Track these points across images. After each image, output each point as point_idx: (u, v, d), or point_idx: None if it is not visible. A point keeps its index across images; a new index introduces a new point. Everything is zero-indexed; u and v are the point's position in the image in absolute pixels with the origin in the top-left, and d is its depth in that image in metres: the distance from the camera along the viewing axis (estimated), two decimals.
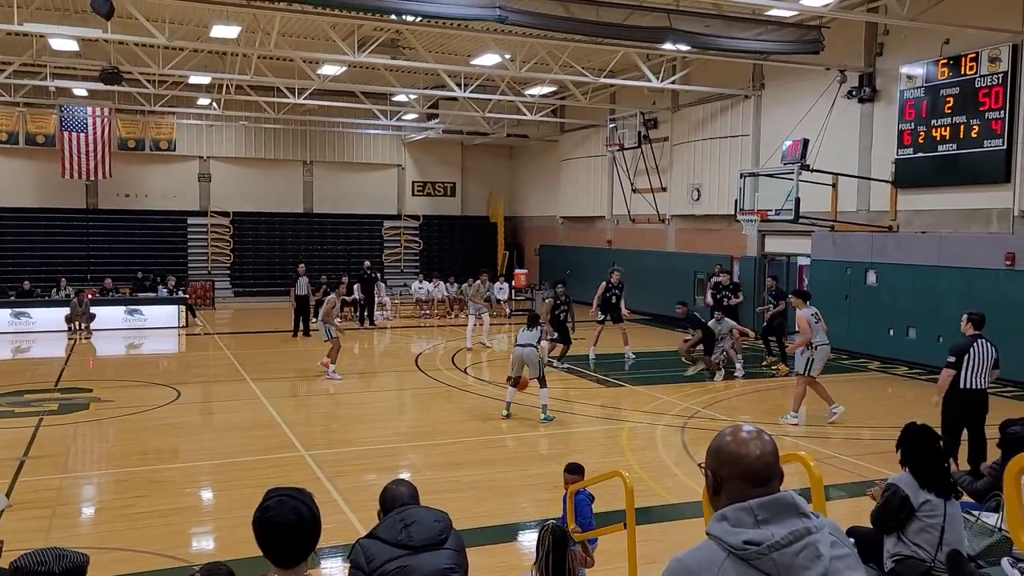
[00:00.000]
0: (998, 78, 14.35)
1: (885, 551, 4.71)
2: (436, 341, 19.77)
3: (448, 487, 8.50)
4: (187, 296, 23.98)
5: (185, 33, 18.19)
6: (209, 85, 23.67)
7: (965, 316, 9.12)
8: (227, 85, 22.94)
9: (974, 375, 8.70)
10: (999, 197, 14.56)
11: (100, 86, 19.65)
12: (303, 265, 22.03)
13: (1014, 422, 5.75)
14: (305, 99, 22.77)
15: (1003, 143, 14.28)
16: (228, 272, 29.27)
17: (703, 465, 2.34)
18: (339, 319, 15.84)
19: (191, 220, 28.99)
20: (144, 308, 21.94)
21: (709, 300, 16.50)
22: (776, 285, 16.72)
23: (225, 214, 29.18)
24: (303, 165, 30.54)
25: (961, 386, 8.70)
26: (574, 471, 6.01)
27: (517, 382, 11.53)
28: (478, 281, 19.87)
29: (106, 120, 26.20)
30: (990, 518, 5.26)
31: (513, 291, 25.59)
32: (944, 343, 14.94)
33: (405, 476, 9.12)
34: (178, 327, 21.73)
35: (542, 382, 11.50)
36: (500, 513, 7.82)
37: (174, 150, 28.00)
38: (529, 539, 7.30)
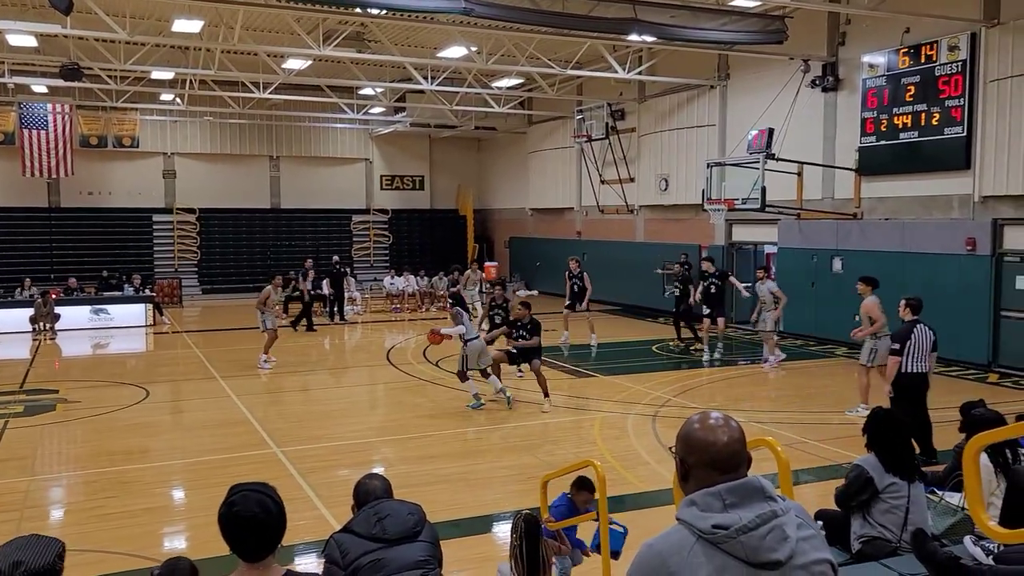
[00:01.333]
0: (957, 66, 14.61)
1: (852, 532, 4.82)
2: (407, 335, 19.73)
3: (422, 480, 8.52)
4: (154, 294, 23.66)
5: (147, 28, 17.91)
6: (172, 80, 23.35)
7: (903, 301, 9.31)
8: (190, 80, 22.65)
9: (914, 360, 8.90)
10: (960, 183, 14.84)
11: (60, 82, 19.26)
12: (310, 260, 22.19)
13: (975, 404, 5.89)
14: (270, 94, 22.53)
15: (963, 130, 14.55)
16: (195, 269, 28.93)
17: (673, 450, 2.39)
18: (276, 311, 16.25)
19: (156, 217, 28.58)
20: (110, 307, 21.62)
21: (698, 297, 16.17)
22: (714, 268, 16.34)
23: (191, 211, 28.81)
24: (270, 160, 30.24)
25: (902, 370, 8.90)
26: (584, 487, 5.60)
27: (484, 373, 11.83)
28: (468, 271, 21.51)
29: (67, 117, 25.72)
30: (953, 498, 5.39)
31: (484, 284, 25.53)
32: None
33: (379, 470, 9.09)
34: (145, 326, 21.45)
35: (461, 376, 11.71)
36: (475, 505, 7.85)
37: (137, 147, 27.57)
38: (504, 530, 7.35)
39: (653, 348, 17.37)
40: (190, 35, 16.77)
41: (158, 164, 28.74)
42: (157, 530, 7.38)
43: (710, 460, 2.23)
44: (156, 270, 27.87)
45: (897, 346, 8.96)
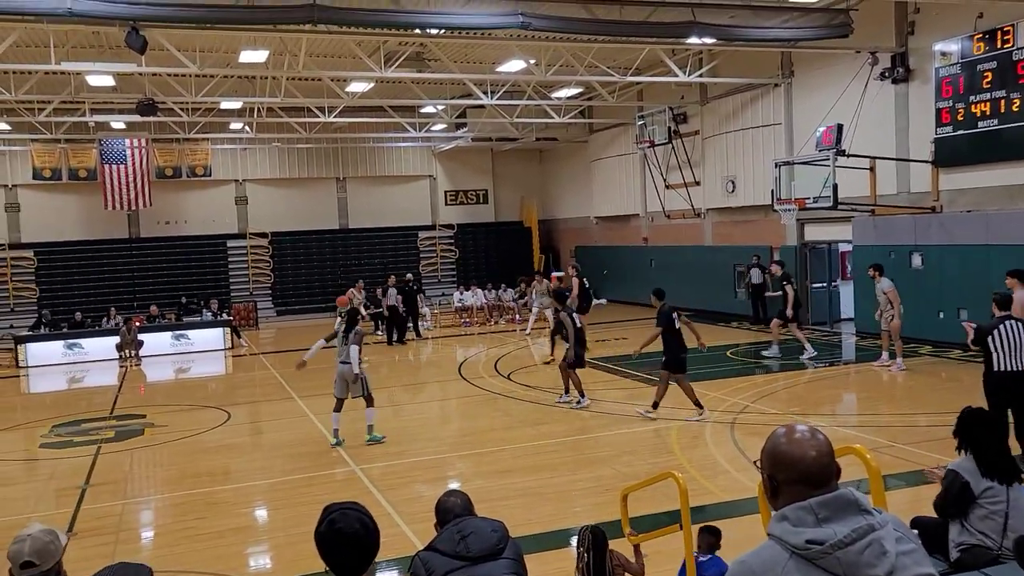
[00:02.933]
0: None
1: (950, 540, 4.61)
2: (478, 349, 19.82)
3: (499, 495, 8.52)
4: (231, 318, 24.38)
5: (215, 60, 18.53)
6: (241, 109, 24.07)
7: (993, 298, 8.92)
8: (258, 108, 23.32)
9: (1009, 357, 8.49)
10: None
11: (137, 118, 20.08)
12: (393, 277, 22.81)
13: None
14: (335, 117, 23.03)
15: None
16: (269, 292, 29.69)
17: (759, 464, 2.33)
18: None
19: (230, 243, 29.47)
20: (190, 332, 22.35)
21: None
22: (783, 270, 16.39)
23: (263, 235, 29.62)
24: (336, 182, 30.87)
25: (995, 369, 8.51)
26: (713, 533, 5.29)
27: (340, 405, 10.83)
28: (535, 282, 21.97)
29: (144, 150, 26.78)
30: None
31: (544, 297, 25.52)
32: None
33: (455, 485, 9.15)
34: (224, 349, 22.09)
35: (368, 401, 10.86)
36: (552, 519, 7.81)
37: (210, 175, 28.49)
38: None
39: (728, 353, 17.05)
40: (256, 65, 17.28)
41: (230, 191, 29.65)
42: (244, 550, 7.56)
43: (800, 476, 2.16)
44: (232, 294, 28.71)
45: (971, 341, 8.62)
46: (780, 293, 15.82)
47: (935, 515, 4.82)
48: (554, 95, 23.57)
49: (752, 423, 10.89)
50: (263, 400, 15.26)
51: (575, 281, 18.08)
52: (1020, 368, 8.52)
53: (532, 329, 21.59)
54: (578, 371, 12.63)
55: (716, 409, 11.99)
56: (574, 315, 12.85)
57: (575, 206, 31.24)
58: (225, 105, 22.36)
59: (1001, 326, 8.56)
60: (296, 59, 16.59)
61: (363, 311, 21.74)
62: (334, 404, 11.02)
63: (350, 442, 11.14)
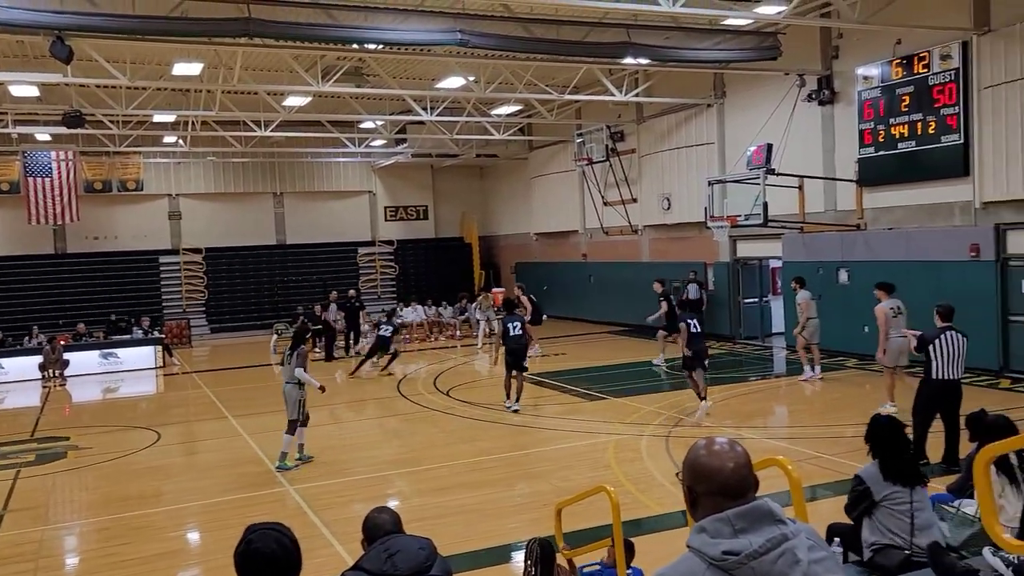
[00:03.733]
0: (951, 75, 14.68)
1: (863, 541, 4.83)
2: (417, 365, 19.71)
3: (437, 512, 8.49)
4: (163, 336, 23.75)
5: (147, 72, 18.14)
6: (174, 123, 23.59)
7: (935, 309, 9.33)
8: (192, 122, 22.88)
9: (946, 366, 8.88)
10: (960, 190, 14.85)
11: (63, 130, 19.52)
12: (335, 293, 22.71)
13: (984, 413, 5.87)
14: (272, 131, 22.75)
15: (960, 138, 14.58)
16: (203, 309, 29.05)
17: (680, 477, 2.38)
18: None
19: (163, 259, 28.77)
20: (119, 351, 21.68)
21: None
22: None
23: (197, 251, 29.00)
24: (273, 197, 30.44)
25: (934, 377, 8.88)
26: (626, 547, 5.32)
27: (294, 427, 10.51)
28: (480, 298, 23.07)
29: (71, 163, 26.00)
30: (969, 507, 5.35)
31: (494, 308, 25.54)
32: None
33: (393, 504, 9.08)
34: (155, 368, 21.51)
35: (291, 427, 10.47)
36: (491, 535, 7.81)
37: (142, 190, 27.81)
38: (521, 559, 7.30)
39: (665, 368, 17.30)
40: (190, 77, 16.98)
41: (163, 206, 28.97)
42: (173, 575, 7.35)
43: (718, 488, 2.22)
44: (165, 311, 28.00)
45: (915, 348, 9.01)
46: (663, 310, 17.46)
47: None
48: (494, 112, 23.72)
49: (687, 436, 11.07)
50: (195, 420, 14.90)
51: (525, 299, 18.35)
52: (956, 377, 8.92)
53: (484, 343, 21.74)
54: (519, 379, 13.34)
55: (651, 423, 12.16)
56: (509, 324, 13.38)
57: (515, 222, 31.41)
58: (158, 118, 21.90)
59: (943, 335, 8.94)
60: (231, 72, 16.36)
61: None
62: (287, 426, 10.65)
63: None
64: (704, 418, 11.77)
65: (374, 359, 18.93)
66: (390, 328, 18.91)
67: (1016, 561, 4.05)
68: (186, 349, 25.60)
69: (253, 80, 18.39)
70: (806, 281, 15.34)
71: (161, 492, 10.07)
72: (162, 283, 28.72)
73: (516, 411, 13.22)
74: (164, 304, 28.45)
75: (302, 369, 10.44)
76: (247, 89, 18.15)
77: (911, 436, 9.01)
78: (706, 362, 12.47)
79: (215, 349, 25.74)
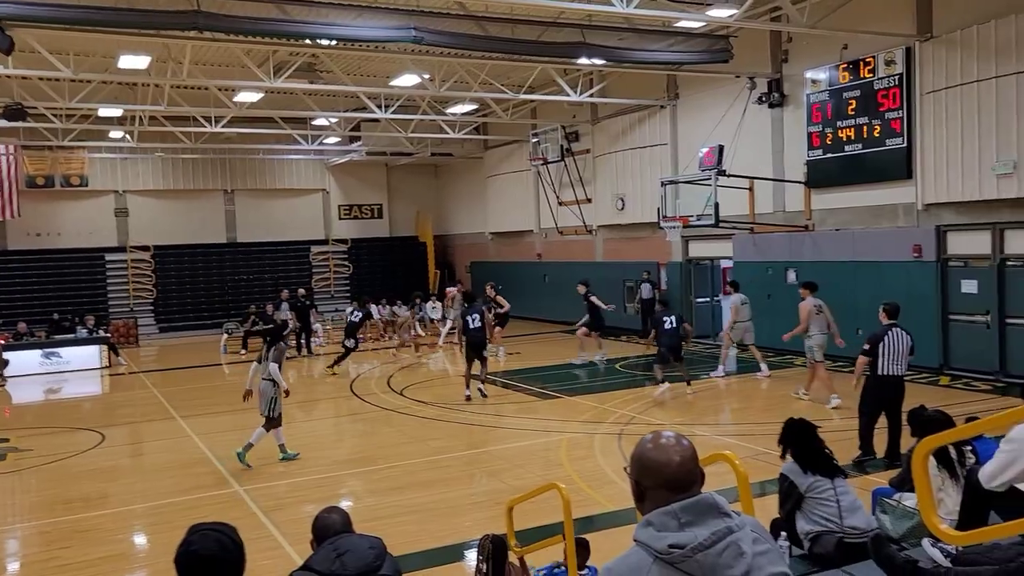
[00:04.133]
0: (895, 80, 15.06)
1: (800, 533, 4.99)
2: (371, 365, 19.57)
3: (390, 512, 8.45)
4: (108, 335, 23.20)
5: (92, 65, 17.72)
6: (121, 117, 23.05)
7: (881, 306, 9.58)
8: (140, 116, 22.40)
9: (890, 363, 9.12)
10: (903, 192, 15.25)
11: (3, 123, 18.93)
12: (286, 291, 22.14)
13: (923, 408, 6.04)
14: (223, 127, 22.38)
15: (903, 141, 14.98)
16: (152, 308, 28.44)
17: (627, 470, 2.41)
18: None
19: (109, 256, 28.07)
20: (62, 350, 21.10)
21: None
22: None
23: (145, 248, 28.38)
24: (224, 194, 29.94)
25: (879, 373, 9.11)
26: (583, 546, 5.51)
27: (270, 423, 10.53)
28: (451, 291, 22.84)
29: (12, 158, 25.21)
30: (910, 501, 5.50)
31: (445, 309, 25.49)
32: (862, 335, 15.56)
33: (346, 504, 9.01)
34: (100, 368, 21.00)
35: (268, 423, 10.49)
36: (444, 534, 7.79)
37: (87, 185, 27.09)
38: (475, 557, 7.30)
39: (617, 366, 17.47)
40: (138, 71, 16.61)
41: (109, 202, 28.29)
42: None
43: (664, 481, 2.25)
44: (111, 310, 27.34)
45: (867, 347, 9.20)
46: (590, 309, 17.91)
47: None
48: (449, 111, 23.66)
49: (640, 433, 11.15)
50: (142, 421, 14.58)
51: (501, 299, 18.94)
52: (900, 373, 9.17)
53: (446, 341, 21.68)
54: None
55: (604, 420, 12.26)
56: (468, 317, 14.17)
57: (470, 222, 31.38)
58: (103, 112, 21.36)
59: (889, 332, 9.17)
60: (180, 66, 16.04)
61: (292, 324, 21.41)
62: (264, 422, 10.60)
63: (234, 462, 10.78)
64: (691, 396, 13.61)
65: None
66: (359, 314, 18.74)
67: (955, 551, 4.17)
68: (133, 349, 25.03)
69: (203, 75, 18.05)
70: (740, 285, 15.97)
71: (106, 494, 9.84)
72: (108, 281, 28.02)
73: (485, 395, 14.18)
74: (110, 303, 27.78)
75: (277, 366, 10.40)
76: (197, 84, 17.82)
77: (859, 433, 9.29)
78: (681, 353, 14.18)
79: (163, 349, 25.23)
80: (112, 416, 15.14)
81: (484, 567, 4.81)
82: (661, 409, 13.05)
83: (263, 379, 10.51)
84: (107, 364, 21.16)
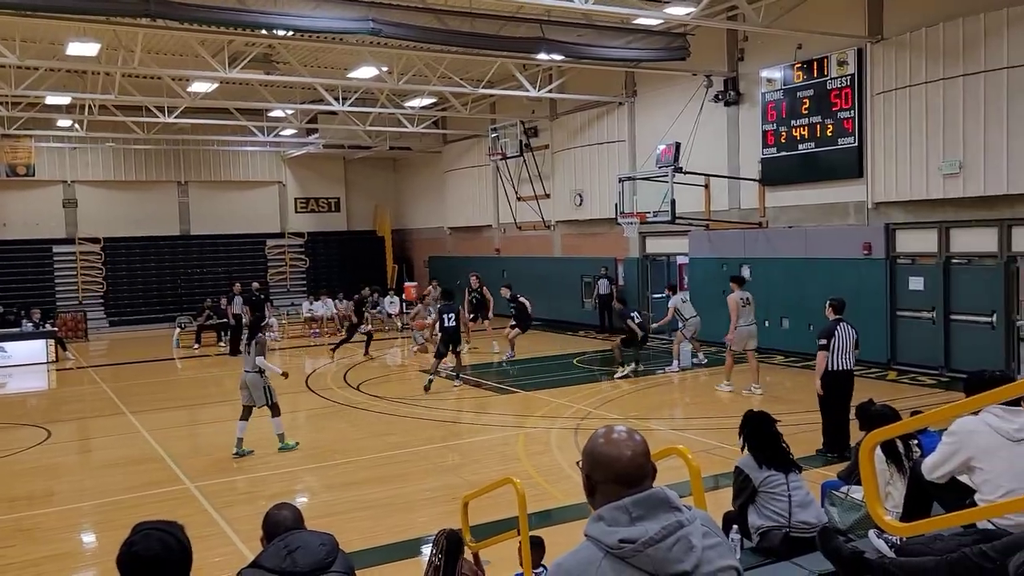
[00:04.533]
0: (847, 80, 15.35)
1: (750, 526, 5.06)
2: (327, 360, 19.38)
3: (345, 507, 8.39)
4: (56, 329, 22.61)
5: (39, 51, 17.23)
6: (69, 105, 22.48)
7: (827, 302, 9.77)
8: (89, 105, 21.85)
9: (840, 357, 9.34)
10: (854, 191, 15.56)
11: None
12: (238, 285, 21.65)
13: (871, 403, 6.18)
14: (176, 118, 21.92)
15: (855, 140, 15.28)
16: (102, 301, 27.80)
17: (580, 465, 2.41)
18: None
19: (57, 248, 27.39)
20: (6, 344, 20.51)
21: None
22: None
23: (95, 240, 27.72)
24: (178, 186, 29.39)
25: (830, 368, 9.31)
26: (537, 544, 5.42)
27: (248, 413, 10.67)
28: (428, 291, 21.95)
29: None
30: (858, 493, 5.62)
31: (404, 304, 25.38)
32: (814, 330, 15.88)
33: (300, 500, 8.93)
34: (47, 362, 20.46)
35: (274, 410, 10.68)
36: (400, 530, 7.75)
37: (33, 175, 26.41)
38: (430, 552, 7.28)
39: (575, 361, 17.55)
40: (87, 58, 16.20)
41: (57, 193, 27.58)
42: None
43: (614, 476, 2.25)
44: (58, 303, 26.66)
45: (823, 341, 9.38)
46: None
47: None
48: (407, 104, 23.51)
49: (595, 428, 11.24)
50: (90, 416, 14.25)
51: (486, 291, 18.89)
52: (849, 367, 9.38)
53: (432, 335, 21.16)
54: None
55: (561, 415, 12.32)
56: (444, 315, 14.81)
57: (429, 216, 31.25)
58: (51, 100, 20.81)
59: (838, 327, 9.38)
60: (132, 55, 15.68)
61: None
62: (241, 412, 10.72)
63: (186, 458, 10.61)
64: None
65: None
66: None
67: (899, 542, 4.28)
68: (82, 343, 24.45)
69: (156, 64, 17.67)
70: (676, 287, 16.71)
71: (51, 492, 9.60)
72: (56, 274, 27.33)
73: (457, 385, 14.80)
74: (58, 296, 27.09)
75: (262, 357, 10.57)
76: (149, 73, 17.44)
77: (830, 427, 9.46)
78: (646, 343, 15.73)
79: (114, 343, 24.68)
80: (58, 412, 14.78)
81: (438, 561, 4.80)
82: (617, 404, 13.16)
83: (249, 372, 10.58)
84: (54, 359, 20.63)
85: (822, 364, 9.39)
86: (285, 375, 10.98)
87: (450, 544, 4.81)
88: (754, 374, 13.38)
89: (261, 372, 10.58)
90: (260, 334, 10.88)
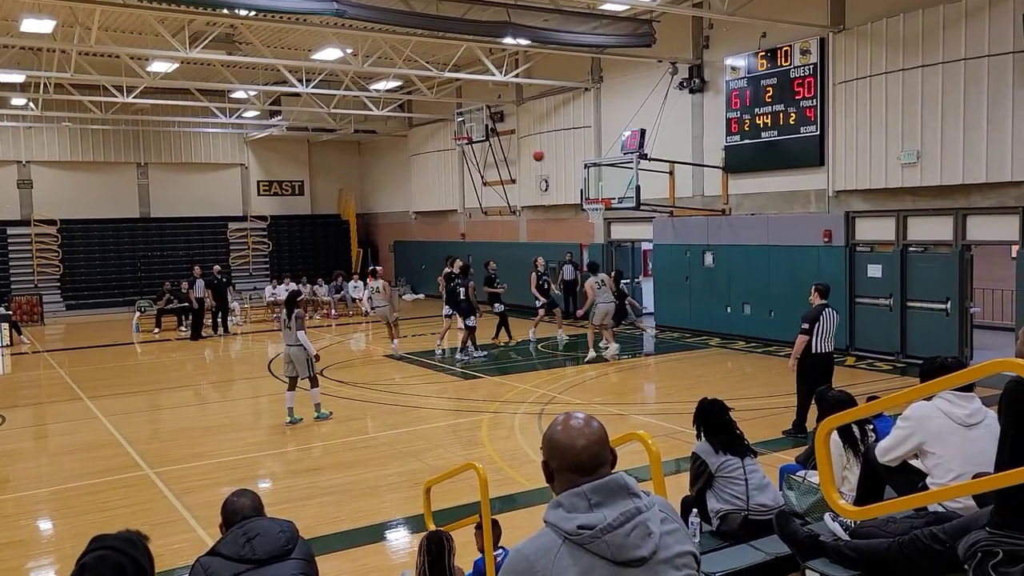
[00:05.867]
0: (809, 69, 15.52)
1: (709, 511, 5.15)
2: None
3: (307, 494, 8.35)
4: (10, 312, 22.11)
5: None
6: (24, 84, 21.88)
7: (813, 287, 9.93)
8: (45, 84, 21.27)
9: (823, 340, 9.53)
10: (816, 179, 15.77)
11: None
12: (198, 268, 21.29)
13: (828, 388, 6.29)
14: (135, 98, 21.46)
15: (817, 129, 15.47)
16: (58, 284, 27.24)
17: (543, 454, 2.42)
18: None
19: (11, 230, 26.75)
20: None
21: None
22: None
23: (51, 222, 27.11)
24: (137, 167, 28.81)
25: (813, 351, 9.49)
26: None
27: (294, 384, 11.39)
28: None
29: None
30: (815, 477, 5.73)
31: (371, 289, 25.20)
32: (775, 317, 16.15)
33: (262, 485, 8.87)
34: (0, 347, 20.02)
35: (313, 381, 11.48)
36: (361, 515, 7.74)
37: None
38: (392, 537, 7.30)
39: (539, 347, 17.61)
40: (42, 35, 15.76)
41: (11, 173, 26.90)
42: (21, 565, 6.92)
43: (569, 464, 2.27)
44: (13, 287, 26.06)
45: (806, 326, 9.55)
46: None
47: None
48: (373, 87, 23.27)
49: (559, 413, 11.31)
50: (47, 402, 14.00)
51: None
52: (831, 350, 9.59)
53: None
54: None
55: (526, 400, 12.37)
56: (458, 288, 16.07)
57: (394, 200, 31.05)
58: (4, 78, 20.24)
59: (824, 312, 9.55)
60: (89, 32, 15.28)
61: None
62: (288, 384, 11.41)
63: (145, 444, 10.48)
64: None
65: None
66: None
67: (852, 525, 4.38)
68: (37, 327, 23.94)
69: (113, 42, 17.25)
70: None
71: (7, 479, 9.42)
72: (11, 257, 26.70)
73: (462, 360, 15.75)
74: (12, 279, 26.48)
75: (303, 332, 11.21)
76: (107, 51, 17.03)
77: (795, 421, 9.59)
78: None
79: (71, 327, 24.20)
80: (13, 397, 14.47)
81: (424, 564, 4.77)
82: (581, 389, 13.25)
83: (291, 346, 11.22)
84: (8, 343, 20.18)
85: (801, 347, 9.53)
86: (317, 358, 11.42)
87: (435, 546, 4.80)
88: (610, 337, 15.50)
89: (304, 347, 11.15)
90: (298, 308, 11.47)
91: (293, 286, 24.32)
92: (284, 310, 11.59)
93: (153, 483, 8.87)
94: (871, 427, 5.55)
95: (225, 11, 14.74)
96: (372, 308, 18.29)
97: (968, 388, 4.43)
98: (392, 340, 17.07)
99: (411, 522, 7.42)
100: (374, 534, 7.29)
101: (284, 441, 10.69)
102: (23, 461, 10.27)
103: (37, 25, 14.79)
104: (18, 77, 20.40)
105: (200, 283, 20.61)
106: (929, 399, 4.46)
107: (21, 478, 9.46)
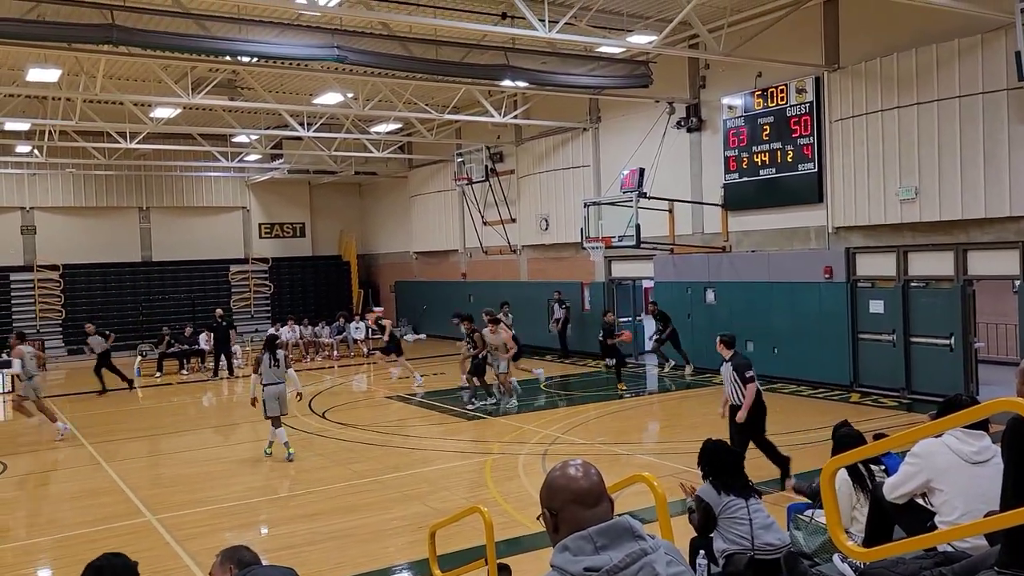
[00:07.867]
0: (806, 107, 15.69)
1: (716, 551, 5.12)
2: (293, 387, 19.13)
3: (308, 539, 8.26)
4: (11, 359, 22.04)
5: None
6: (29, 131, 22.15)
7: (719, 339, 9.61)
8: (49, 131, 21.54)
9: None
10: (815, 216, 15.85)
11: None
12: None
13: (844, 425, 6.23)
14: (138, 143, 21.69)
15: (814, 166, 15.59)
16: (60, 329, 27.24)
17: (539, 517, 2.40)
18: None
19: (14, 276, 26.84)
20: None
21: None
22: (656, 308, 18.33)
23: (54, 268, 27.22)
24: (139, 212, 29.00)
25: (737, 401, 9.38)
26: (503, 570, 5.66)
27: (278, 422, 11.80)
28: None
29: None
30: (823, 517, 5.67)
31: (370, 330, 25.22)
32: (778, 354, 16.10)
33: (263, 531, 8.79)
34: (2, 392, 19.95)
35: (275, 422, 11.80)
36: (363, 561, 7.65)
37: None
38: None
39: (541, 386, 17.54)
40: (47, 84, 16.00)
41: (15, 219, 27.08)
42: None
43: (573, 496, 2.29)
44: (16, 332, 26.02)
45: (751, 373, 9.32)
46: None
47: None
48: (373, 129, 23.52)
49: (563, 454, 11.25)
50: (48, 448, 13.90)
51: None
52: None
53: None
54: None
55: (529, 441, 12.29)
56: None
57: (395, 241, 31.18)
58: (9, 126, 20.48)
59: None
60: (93, 80, 15.52)
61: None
62: (271, 423, 11.82)
63: (146, 490, 10.40)
64: None
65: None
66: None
67: (863, 567, 4.32)
68: (40, 372, 23.83)
69: (117, 89, 17.51)
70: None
71: (7, 527, 9.34)
72: (13, 302, 26.75)
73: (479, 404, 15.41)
74: (15, 324, 26.45)
75: (292, 370, 12.03)
76: (111, 99, 17.26)
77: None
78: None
79: (73, 372, 24.16)
80: (15, 444, 14.39)
81: None
82: (585, 429, 13.16)
83: (277, 384, 11.71)
84: (10, 388, 20.11)
85: (751, 396, 9.11)
86: (299, 396, 12.25)
87: None
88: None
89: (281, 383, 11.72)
90: (278, 350, 11.99)
91: (297, 328, 24.40)
92: (266, 352, 11.86)
93: (154, 529, 8.78)
94: (882, 468, 5.49)
95: (228, 58, 15.00)
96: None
97: (979, 425, 4.40)
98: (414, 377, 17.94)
99: (416, 567, 7.33)
100: None
101: (285, 485, 10.61)
102: (23, 509, 10.20)
103: (43, 74, 15.01)
104: (23, 125, 20.65)
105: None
106: (939, 436, 4.43)
107: (22, 526, 9.39)
